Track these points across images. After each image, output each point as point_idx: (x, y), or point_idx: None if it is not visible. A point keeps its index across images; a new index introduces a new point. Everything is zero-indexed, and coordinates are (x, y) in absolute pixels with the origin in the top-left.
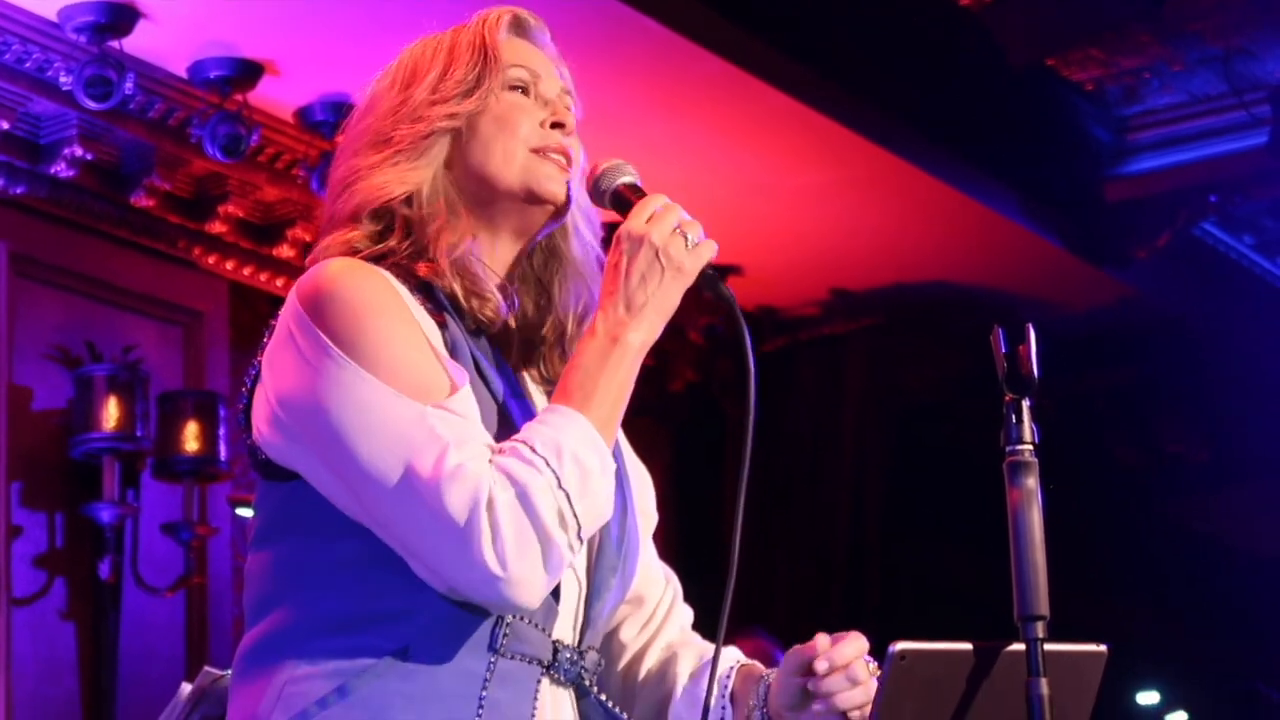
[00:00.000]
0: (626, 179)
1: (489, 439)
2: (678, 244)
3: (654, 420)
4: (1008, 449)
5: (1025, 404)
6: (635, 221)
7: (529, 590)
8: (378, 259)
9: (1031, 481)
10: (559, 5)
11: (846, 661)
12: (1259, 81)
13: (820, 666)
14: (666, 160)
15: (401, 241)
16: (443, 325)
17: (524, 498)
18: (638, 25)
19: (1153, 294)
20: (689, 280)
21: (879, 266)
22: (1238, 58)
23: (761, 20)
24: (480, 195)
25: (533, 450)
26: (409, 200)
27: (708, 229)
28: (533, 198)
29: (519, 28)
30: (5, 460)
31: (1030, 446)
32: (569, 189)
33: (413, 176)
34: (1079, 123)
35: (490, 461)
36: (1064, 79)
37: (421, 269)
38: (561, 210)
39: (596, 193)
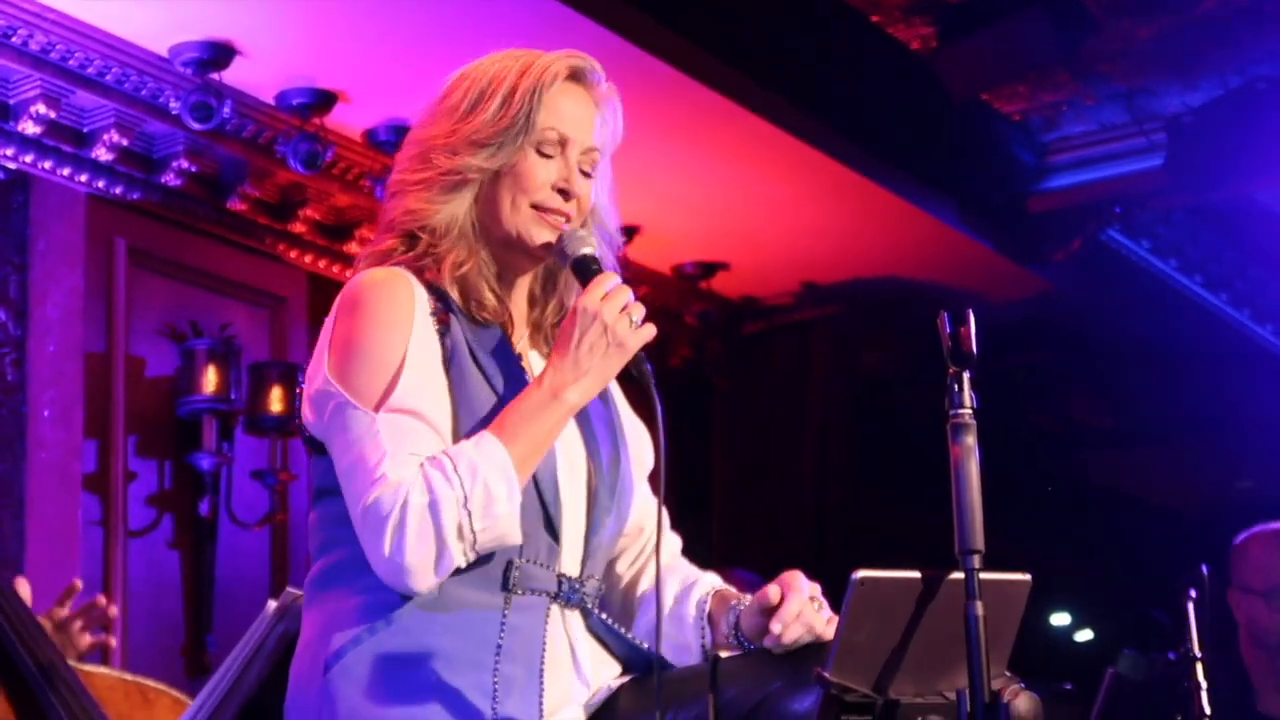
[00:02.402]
0: (585, 250)
1: (427, 440)
2: (624, 324)
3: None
4: (951, 412)
5: (966, 375)
6: (591, 298)
7: (419, 579)
8: (408, 263)
9: (970, 439)
10: (560, 39)
11: (795, 615)
12: (1156, 114)
13: (775, 628)
14: (666, 174)
15: (422, 256)
16: (446, 325)
17: (433, 507)
18: (633, 57)
19: (1067, 289)
20: (629, 356)
21: (841, 264)
22: (1139, 94)
23: (744, 56)
24: (492, 232)
25: (454, 469)
26: (431, 228)
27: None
28: (524, 247)
29: (575, 76)
30: (123, 418)
31: (970, 411)
32: (550, 240)
33: (442, 210)
34: (1007, 147)
35: (421, 466)
36: (995, 110)
37: (429, 274)
38: (547, 252)
39: (560, 255)
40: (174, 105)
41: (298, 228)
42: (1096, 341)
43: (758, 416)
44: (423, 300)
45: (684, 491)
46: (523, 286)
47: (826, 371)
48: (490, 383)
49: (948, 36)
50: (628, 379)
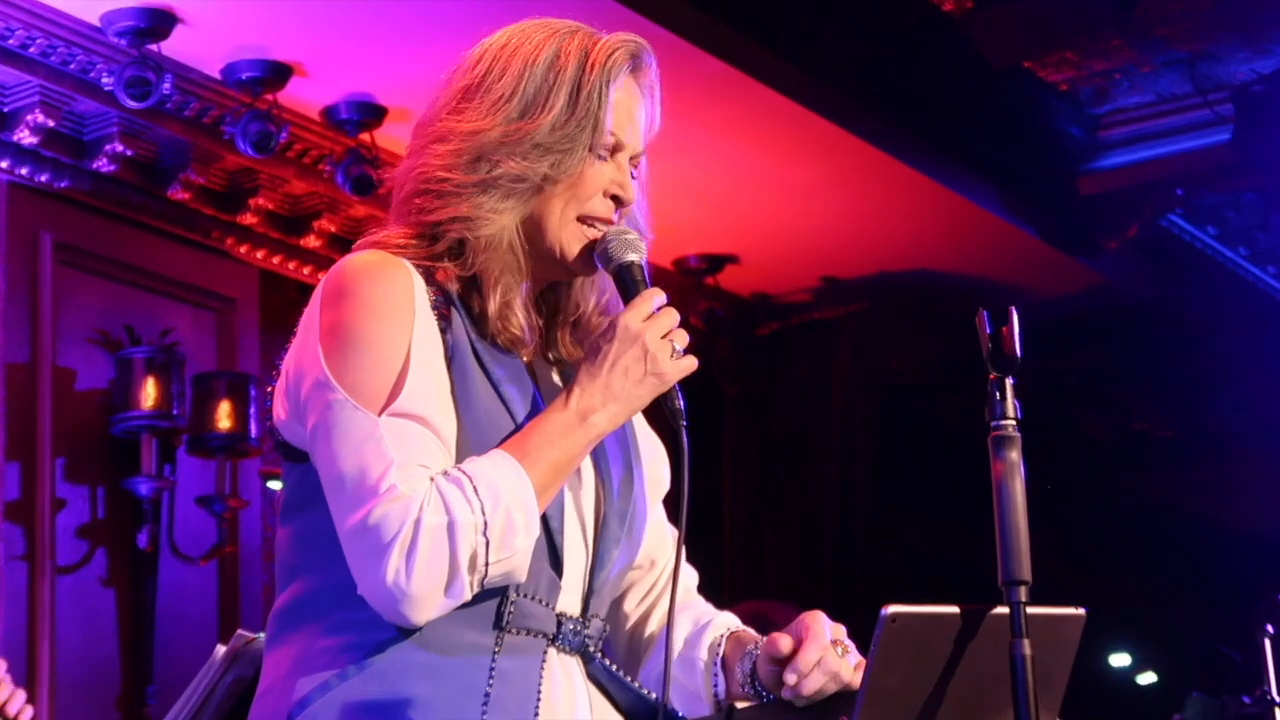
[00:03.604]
0: (632, 257)
1: (436, 450)
2: (665, 352)
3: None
4: (992, 424)
5: (1008, 382)
6: (634, 316)
7: (422, 610)
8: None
9: (1014, 454)
10: (563, 9)
11: (813, 664)
12: (1222, 82)
13: (789, 679)
14: (668, 157)
15: (452, 259)
16: (447, 320)
17: (451, 529)
18: (639, 28)
19: (1122, 282)
20: (665, 388)
21: (866, 256)
22: (1202, 60)
23: (758, 25)
24: (535, 242)
25: (475, 490)
26: (482, 239)
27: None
28: (564, 262)
29: (634, 65)
30: (50, 438)
31: (1013, 422)
32: (589, 248)
33: (499, 220)
34: (1053, 121)
35: (433, 480)
36: (1040, 80)
37: (439, 274)
38: (585, 269)
39: (602, 258)
40: (107, 81)
41: (248, 219)
42: (1156, 341)
43: (773, 428)
44: (421, 289)
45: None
46: (539, 291)
47: (850, 377)
48: (497, 389)
49: None
50: (654, 413)
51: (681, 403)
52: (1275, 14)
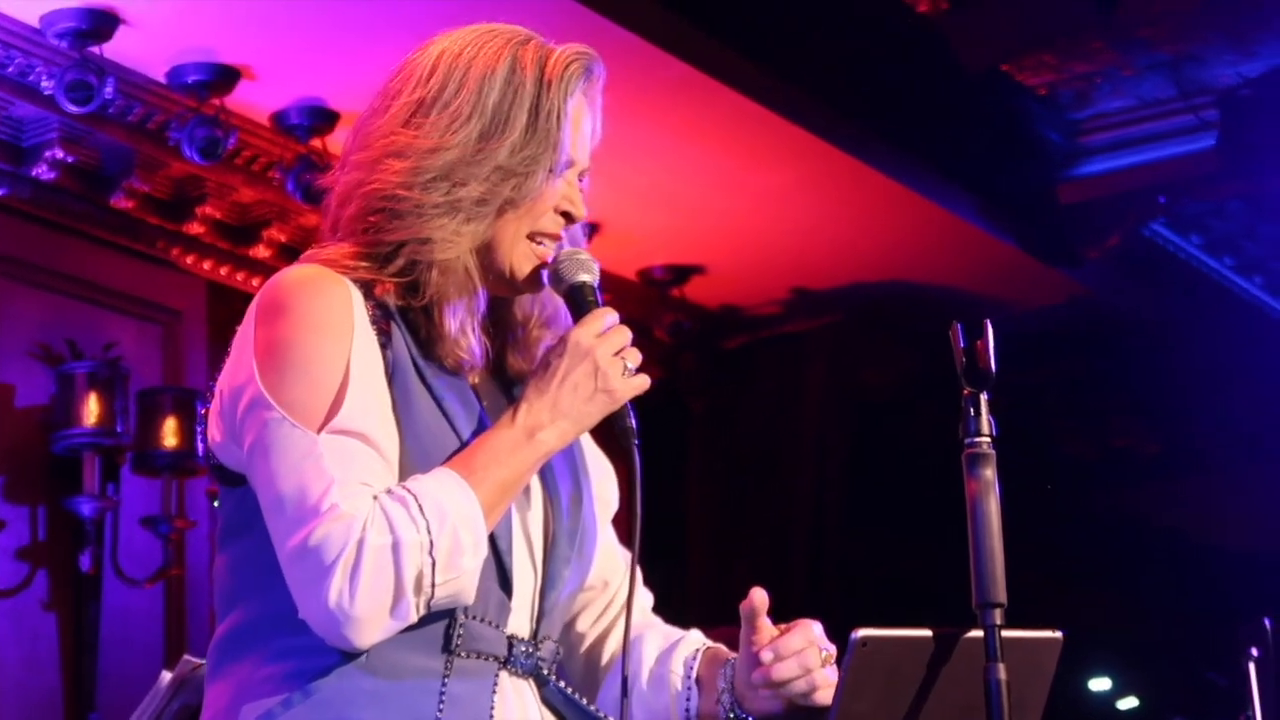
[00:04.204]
0: (584, 277)
1: (378, 468)
2: (616, 369)
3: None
4: (966, 441)
5: (983, 398)
6: (585, 333)
7: (366, 633)
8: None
9: (989, 472)
10: (522, 11)
11: (793, 651)
12: (1206, 86)
13: (765, 656)
14: (631, 162)
15: (400, 275)
16: (387, 335)
17: (396, 549)
18: (600, 29)
19: (1103, 293)
20: (616, 406)
21: (838, 266)
22: (1186, 63)
23: (723, 25)
24: (487, 263)
25: (420, 509)
26: (441, 263)
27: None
28: (513, 282)
29: (585, 79)
30: None
31: (988, 439)
32: (540, 268)
33: (459, 244)
34: (1032, 126)
35: (377, 499)
36: (1018, 83)
37: (378, 289)
38: (533, 287)
39: (554, 279)
40: (46, 84)
41: (194, 228)
42: (1138, 354)
43: (741, 445)
44: (360, 304)
45: (654, 534)
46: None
47: (821, 392)
48: (440, 405)
49: None
50: (603, 432)
51: (634, 422)
52: (1262, 15)
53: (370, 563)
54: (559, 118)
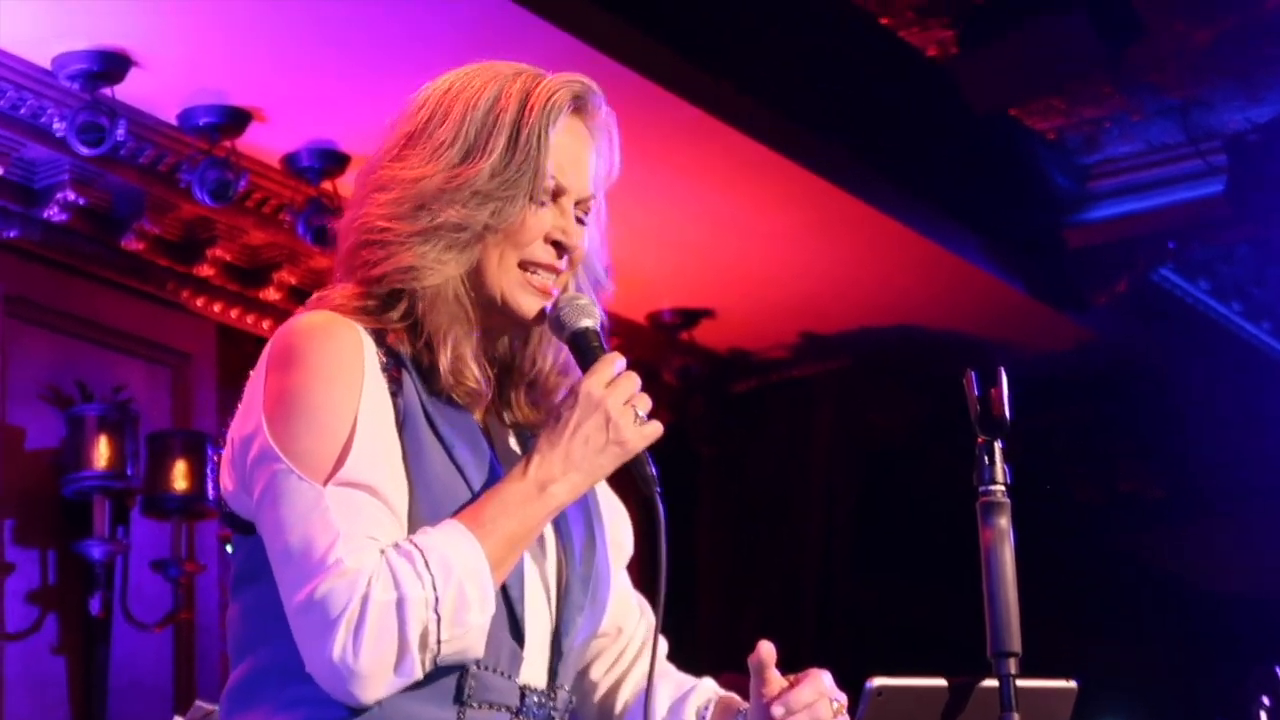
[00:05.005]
0: (586, 322)
1: (385, 521)
2: (628, 419)
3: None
4: (980, 489)
5: (997, 446)
6: (595, 383)
7: (371, 689)
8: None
9: (1004, 521)
10: (531, 55)
11: (804, 705)
12: (1215, 131)
13: (776, 711)
14: (640, 205)
15: (403, 319)
16: (398, 384)
17: (400, 605)
18: (609, 71)
19: (1111, 337)
20: (628, 456)
21: (847, 310)
22: (1195, 108)
23: (735, 69)
24: (478, 291)
25: (426, 564)
26: (426, 291)
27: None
28: (508, 311)
29: (576, 106)
30: None
31: (1002, 487)
32: (544, 306)
33: (442, 270)
34: (1041, 170)
35: (383, 554)
36: (1026, 128)
37: (390, 337)
38: (538, 322)
39: (555, 325)
40: (58, 126)
41: (205, 270)
42: (1147, 399)
43: (750, 491)
44: (371, 352)
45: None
46: (492, 349)
47: (830, 437)
48: (452, 455)
49: (969, 41)
50: (623, 478)
51: (654, 469)
52: (1270, 60)
53: (374, 619)
54: (540, 142)
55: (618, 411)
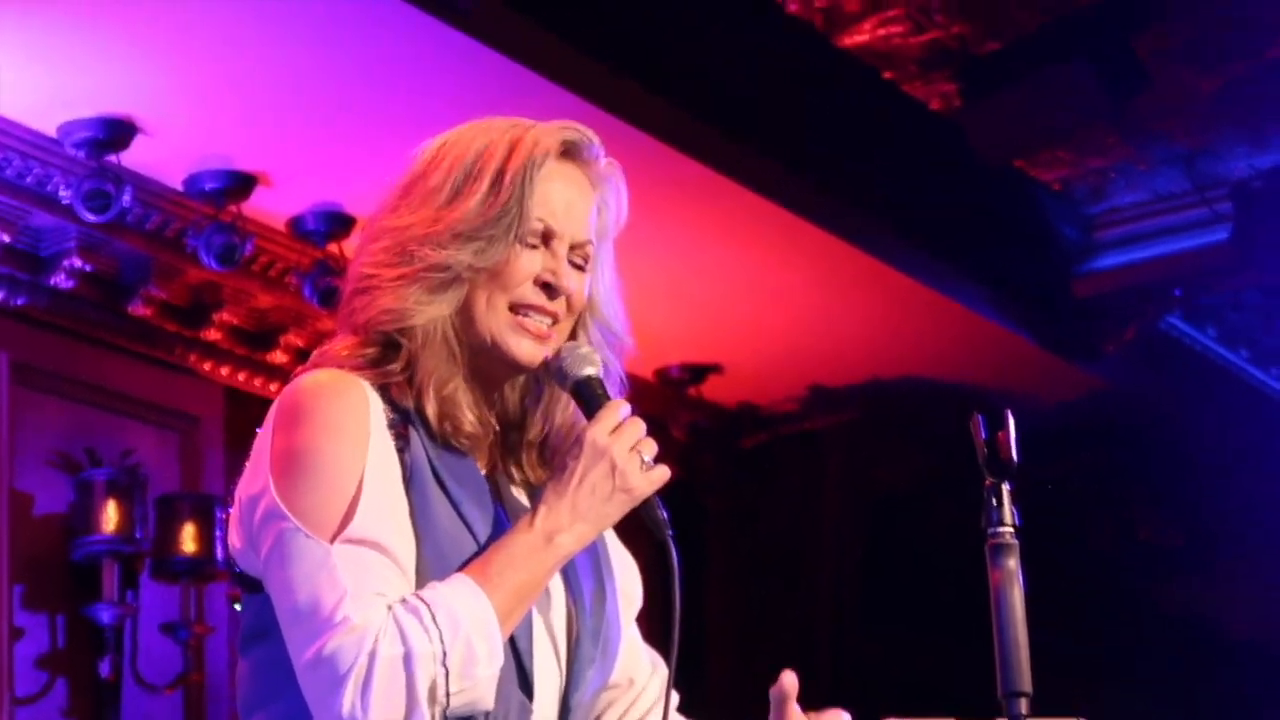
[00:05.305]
0: (588, 370)
1: (392, 577)
2: (634, 465)
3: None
4: (989, 531)
5: (1005, 488)
6: (600, 431)
7: None
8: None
9: (1012, 563)
10: (519, 105)
11: None
12: (1220, 179)
13: None
14: (648, 261)
15: (404, 370)
16: (405, 440)
17: (408, 660)
18: (616, 130)
19: (1121, 386)
20: (635, 502)
21: (855, 363)
22: (1200, 156)
23: (739, 125)
24: (468, 334)
25: (433, 619)
26: (415, 333)
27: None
28: (500, 354)
29: (567, 152)
30: (7, 564)
31: (1011, 529)
32: (543, 352)
33: (426, 312)
34: (1047, 221)
35: (390, 609)
36: (1032, 179)
37: (394, 391)
38: (538, 370)
39: (558, 375)
40: (64, 194)
41: (212, 335)
42: (1159, 448)
43: (760, 545)
44: (378, 409)
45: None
46: (496, 400)
47: (840, 490)
48: (459, 511)
49: (973, 93)
50: (633, 522)
51: (664, 513)
52: (1275, 108)
53: (382, 674)
54: (524, 183)
55: (623, 459)
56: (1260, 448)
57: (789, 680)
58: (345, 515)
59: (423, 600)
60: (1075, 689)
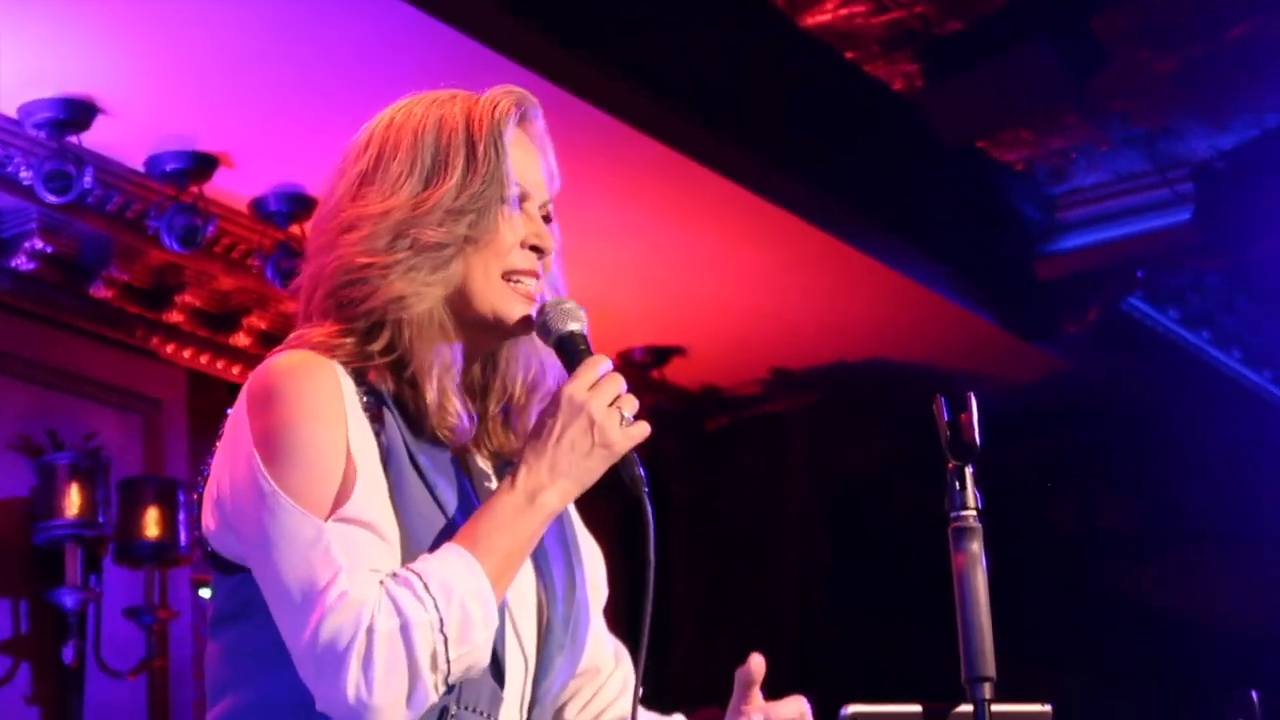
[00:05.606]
0: (574, 326)
1: (385, 556)
2: (613, 421)
3: (600, 498)
4: (952, 515)
5: (968, 470)
6: (578, 387)
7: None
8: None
9: (975, 546)
10: (481, 84)
11: None
12: (1182, 159)
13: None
14: (611, 243)
15: (386, 351)
16: (379, 424)
17: (405, 630)
18: (582, 112)
19: (1083, 368)
20: (615, 458)
21: (818, 345)
22: (1161, 137)
23: (701, 106)
24: (460, 312)
25: (425, 588)
26: (412, 318)
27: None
28: (500, 324)
29: (521, 118)
30: None
31: (974, 512)
32: (531, 312)
33: (429, 294)
34: (1009, 202)
35: (382, 584)
36: (994, 159)
37: (373, 375)
38: (524, 330)
39: (542, 329)
40: (25, 175)
41: (174, 317)
42: (1121, 429)
43: (723, 527)
44: (350, 389)
45: (639, 618)
46: (467, 374)
47: (803, 472)
48: (434, 493)
49: (935, 74)
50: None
51: (642, 470)
52: (1236, 88)
53: (382, 649)
54: (498, 150)
55: (602, 414)
56: (1222, 429)
57: (756, 663)
58: (338, 495)
59: (414, 572)
60: (1037, 676)
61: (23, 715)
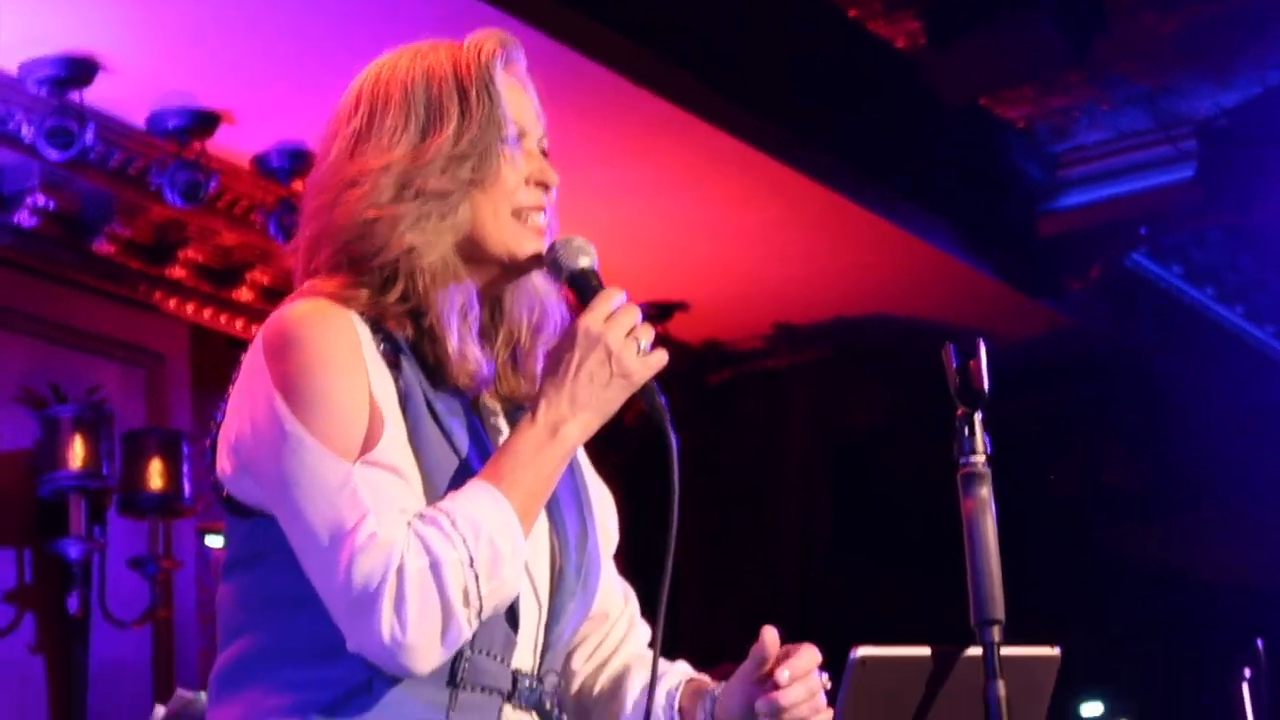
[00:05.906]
0: (585, 262)
1: (410, 500)
2: (630, 350)
3: (607, 450)
4: (961, 460)
5: (977, 417)
6: (594, 318)
7: (423, 659)
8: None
9: (985, 491)
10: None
11: (804, 672)
12: (1185, 117)
13: (782, 676)
14: (615, 198)
15: (400, 300)
16: (397, 370)
17: (435, 569)
18: (582, 69)
19: (1086, 324)
20: (634, 388)
21: (821, 301)
22: (1163, 95)
23: (705, 64)
24: (472, 255)
25: (453, 525)
26: (426, 267)
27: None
28: (513, 263)
29: (506, 61)
30: None
31: (983, 457)
32: (543, 247)
33: (442, 242)
34: (1012, 159)
35: (409, 524)
36: (997, 117)
37: (391, 323)
38: (536, 266)
39: (553, 267)
40: (26, 131)
41: (177, 272)
42: (1124, 385)
43: (726, 481)
44: (367, 337)
45: (643, 571)
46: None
47: (806, 426)
48: (450, 439)
49: (938, 33)
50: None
51: (663, 399)
52: (1238, 46)
53: (414, 588)
54: (490, 93)
55: (619, 344)
56: (1225, 385)
57: (770, 638)
58: (365, 440)
59: (441, 510)
60: (1040, 631)
61: (28, 664)
